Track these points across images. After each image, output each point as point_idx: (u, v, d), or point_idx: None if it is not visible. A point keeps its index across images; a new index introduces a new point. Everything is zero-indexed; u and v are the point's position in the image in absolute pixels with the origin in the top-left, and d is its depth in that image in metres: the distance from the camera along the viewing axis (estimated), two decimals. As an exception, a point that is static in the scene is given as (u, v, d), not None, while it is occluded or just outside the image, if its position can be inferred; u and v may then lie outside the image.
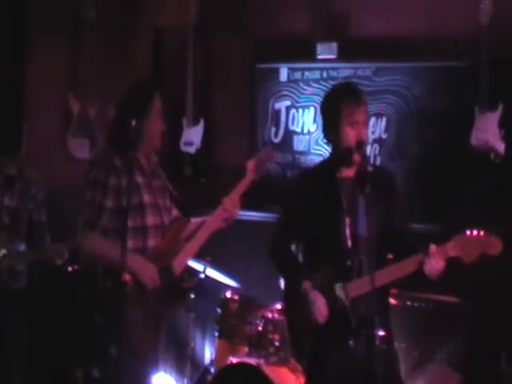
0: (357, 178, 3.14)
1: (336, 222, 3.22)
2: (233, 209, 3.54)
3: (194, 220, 3.59)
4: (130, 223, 3.29)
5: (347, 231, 3.19)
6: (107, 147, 3.52)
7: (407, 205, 3.50)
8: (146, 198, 3.42)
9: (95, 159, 3.60)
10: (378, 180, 3.16)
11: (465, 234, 3.06)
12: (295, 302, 3.29)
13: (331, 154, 3.38)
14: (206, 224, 3.53)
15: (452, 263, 3.09)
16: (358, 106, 3.23)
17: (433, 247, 3.07)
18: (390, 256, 3.25)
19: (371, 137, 4.73)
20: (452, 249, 3.05)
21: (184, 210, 3.61)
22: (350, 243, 3.19)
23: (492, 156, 4.36)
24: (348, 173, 3.26)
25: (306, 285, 3.23)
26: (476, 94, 4.41)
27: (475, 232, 3.04)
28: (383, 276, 3.09)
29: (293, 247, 3.55)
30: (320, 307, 3.18)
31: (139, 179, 3.42)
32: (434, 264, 3.05)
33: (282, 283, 4.00)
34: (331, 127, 3.29)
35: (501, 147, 4.33)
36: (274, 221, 3.65)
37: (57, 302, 4.67)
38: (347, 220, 3.20)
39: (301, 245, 3.47)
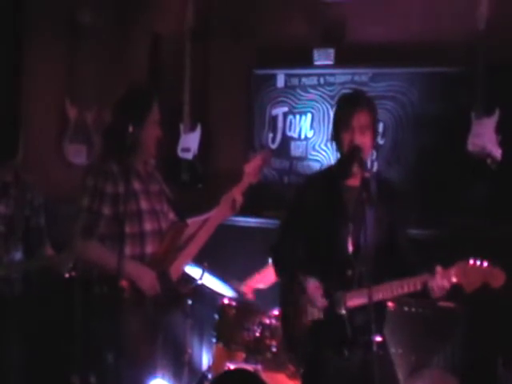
0: (361, 187, 3.12)
1: (338, 231, 3.22)
2: (227, 209, 3.54)
3: (191, 220, 3.58)
4: (128, 230, 3.28)
5: (349, 240, 3.19)
6: (104, 153, 3.51)
7: (408, 216, 3.48)
8: (144, 205, 3.42)
9: (92, 166, 3.60)
10: (382, 189, 3.18)
11: (468, 262, 3.04)
12: (292, 306, 3.28)
13: (336, 161, 3.39)
14: (207, 225, 3.53)
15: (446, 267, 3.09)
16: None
17: (438, 268, 3.06)
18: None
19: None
20: (454, 275, 3.04)
21: (180, 213, 3.60)
22: (351, 252, 3.18)
23: (489, 161, 4.36)
24: (353, 182, 3.24)
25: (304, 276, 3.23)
26: (472, 100, 4.42)
27: (478, 262, 3.02)
28: (384, 291, 3.10)
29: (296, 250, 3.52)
30: (317, 292, 3.18)
31: (136, 185, 3.41)
32: (439, 283, 3.03)
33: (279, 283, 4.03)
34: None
35: (497, 153, 4.34)
36: (275, 224, 3.64)
37: (54, 308, 4.66)
38: (350, 229, 3.19)
39: (302, 249, 3.45)
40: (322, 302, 3.19)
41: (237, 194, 3.57)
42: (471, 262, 3.03)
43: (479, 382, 4.18)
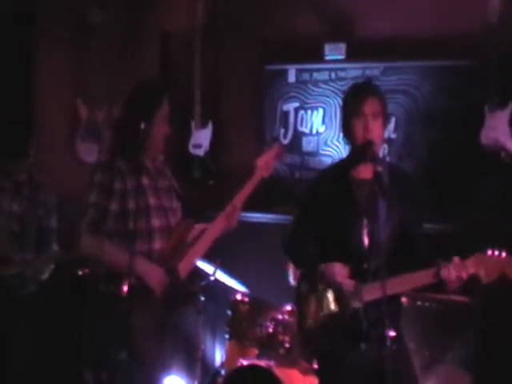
0: (373, 180, 3.09)
1: (352, 225, 3.20)
2: (232, 218, 3.53)
3: (196, 226, 3.56)
4: (136, 226, 3.25)
5: (364, 234, 3.17)
6: (112, 150, 3.50)
7: (424, 207, 3.44)
8: (152, 201, 3.40)
9: (100, 162, 3.59)
10: (395, 181, 3.15)
11: (486, 253, 3.02)
12: (308, 300, 3.26)
13: (348, 153, 3.37)
14: (208, 232, 3.52)
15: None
16: (364, 97, 3.21)
17: (456, 259, 3.04)
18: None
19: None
20: (472, 266, 3.01)
21: (189, 210, 3.59)
22: (367, 246, 3.16)
23: (502, 155, 4.33)
24: (365, 174, 3.22)
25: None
26: (485, 93, 4.39)
27: (497, 252, 2.99)
28: (397, 285, 3.07)
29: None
30: (341, 269, 3.15)
31: (144, 181, 3.40)
32: (457, 271, 3.00)
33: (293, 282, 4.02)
34: (343, 123, 3.30)
35: (511, 146, 4.31)
36: (286, 220, 3.62)
37: (67, 305, 4.67)
38: (364, 222, 3.17)
39: (316, 243, 3.42)
40: (350, 282, 3.15)
41: (238, 202, 3.56)
42: (489, 252, 3.01)
43: (493, 378, 4.14)
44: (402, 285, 3.10)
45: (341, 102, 3.47)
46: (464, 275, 3.01)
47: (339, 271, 3.16)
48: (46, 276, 4.10)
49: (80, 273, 4.23)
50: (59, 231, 4.24)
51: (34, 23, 5.12)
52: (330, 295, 3.21)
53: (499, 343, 4.21)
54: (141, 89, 3.50)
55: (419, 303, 4.16)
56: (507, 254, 2.99)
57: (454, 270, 3.01)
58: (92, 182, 3.38)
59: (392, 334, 3.08)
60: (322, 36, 5.07)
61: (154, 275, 3.31)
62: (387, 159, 4.71)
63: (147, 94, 3.44)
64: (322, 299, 3.22)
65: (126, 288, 3.14)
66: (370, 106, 3.20)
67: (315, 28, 5.10)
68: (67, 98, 5.30)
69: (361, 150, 3.18)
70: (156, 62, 5.63)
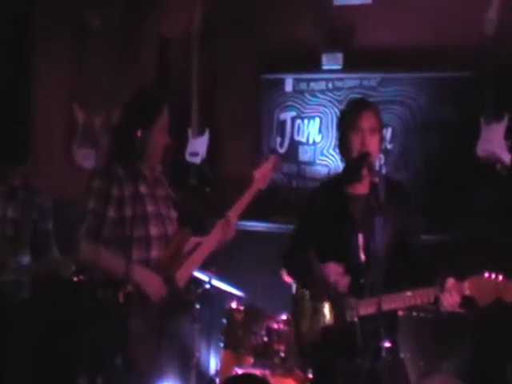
0: (370, 194, 3.12)
1: (348, 240, 3.21)
2: (228, 231, 3.53)
3: (191, 239, 3.55)
4: (134, 233, 3.26)
5: (360, 248, 3.19)
6: (110, 156, 3.49)
7: (420, 219, 3.47)
8: (150, 208, 3.40)
9: (98, 169, 3.57)
10: (391, 193, 3.16)
11: (483, 275, 3.01)
12: (305, 310, 3.27)
13: (343, 168, 3.39)
14: (204, 243, 3.52)
15: (455, 273, 3.08)
16: (360, 112, 3.23)
17: (450, 281, 3.04)
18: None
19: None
20: (468, 288, 3.02)
21: (186, 217, 3.59)
22: (363, 261, 3.18)
23: (498, 167, 4.36)
24: (361, 190, 3.24)
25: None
26: (481, 105, 4.42)
27: (493, 276, 2.98)
28: (394, 301, 3.09)
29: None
30: (334, 267, 3.15)
31: (142, 189, 3.39)
32: (450, 299, 3.02)
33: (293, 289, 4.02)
34: (339, 138, 3.32)
35: (507, 158, 4.34)
36: (283, 229, 3.63)
37: (61, 311, 4.66)
38: (360, 237, 3.19)
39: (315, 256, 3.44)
40: (344, 279, 3.15)
41: (233, 215, 3.56)
42: (486, 275, 3.00)
43: (488, 387, 4.17)
44: (399, 302, 3.12)
45: (337, 112, 3.50)
46: (458, 299, 3.02)
47: (333, 270, 3.16)
48: (67, 274, 4.06)
49: (75, 279, 4.20)
50: (56, 236, 4.22)
51: (31, 25, 5.12)
52: (327, 307, 3.21)
53: (494, 353, 4.21)
54: (141, 96, 3.50)
55: (414, 314, 4.17)
56: (504, 278, 2.98)
57: (451, 295, 3.02)
58: (90, 189, 3.37)
59: (387, 345, 3.09)
60: (319, 46, 5.10)
61: (152, 283, 3.31)
62: (383, 169, 4.74)
63: (148, 103, 3.43)
64: (318, 310, 3.23)
65: (123, 295, 3.13)
66: (367, 121, 3.22)
67: (312, 38, 5.12)
68: (65, 103, 5.30)
69: (357, 163, 3.19)
70: (153, 68, 5.64)
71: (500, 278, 2.98)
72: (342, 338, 3.15)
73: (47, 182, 4.35)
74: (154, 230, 3.38)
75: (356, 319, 3.12)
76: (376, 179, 3.09)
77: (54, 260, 4.07)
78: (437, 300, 3.07)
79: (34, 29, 5.14)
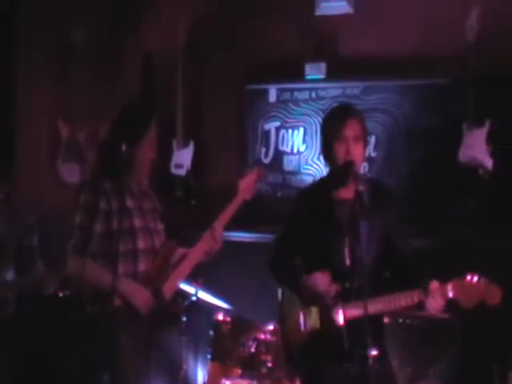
0: (355, 200, 3.11)
1: (334, 244, 3.21)
2: (214, 242, 3.53)
3: (178, 251, 3.56)
4: (121, 247, 3.27)
5: (346, 253, 3.19)
6: (97, 170, 3.49)
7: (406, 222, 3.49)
8: (137, 222, 3.40)
9: (85, 183, 3.57)
10: (377, 198, 3.15)
11: (465, 278, 3.01)
12: (291, 317, 3.27)
13: (328, 173, 3.38)
14: (190, 255, 3.52)
15: (440, 278, 3.09)
16: (345, 120, 3.22)
17: (434, 284, 3.05)
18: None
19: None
20: (451, 291, 3.02)
21: (172, 231, 3.59)
22: (349, 265, 3.18)
23: (480, 172, 4.38)
24: (346, 194, 3.24)
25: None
26: (463, 111, 4.44)
27: (476, 278, 2.99)
28: (380, 305, 3.10)
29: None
30: (321, 278, 3.16)
31: (129, 203, 3.40)
32: (434, 303, 3.03)
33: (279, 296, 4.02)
34: (324, 146, 3.32)
35: (489, 163, 4.36)
36: (269, 239, 3.64)
37: (47, 327, 4.63)
38: (346, 242, 3.19)
39: (299, 262, 3.43)
40: (332, 288, 3.16)
41: (218, 226, 3.56)
42: (468, 277, 3.01)
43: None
44: (384, 305, 3.11)
45: (322, 120, 3.48)
46: (442, 302, 3.03)
47: (320, 281, 3.17)
48: (51, 290, 4.04)
49: (61, 294, 4.19)
50: (42, 251, 4.20)
51: (15, 41, 5.11)
52: (314, 313, 3.22)
53: (480, 357, 4.22)
54: (129, 111, 3.50)
55: (400, 320, 4.18)
56: (486, 280, 2.99)
57: (435, 298, 3.02)
58: (77, 204, 3.36)
59: (374, 352, 3.08)
60: (302, 56, 5.12)
61: (140, 296, 3.31)
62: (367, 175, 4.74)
63: (136, 118, 3.43)
64: (305, 317, 3.24)
65: (111, 309, 3.12)
66: (351, 129, 3.22)
67: (296, 47, 5.14)
68: (49, 118, 5.28)
69: (342, 171, 3.19)
70: (137, 83, 5.64)
71: (482, 280, 2.99)
72: (329, 343, 3.15)
73: (31, 196, 4.35)
74: (141, 244, 3.38)
75: (342, 324, 3.12)
76: (361, 187, 3.07)
77: (37, 276, 4.05)
78: (422, 305, 3.07)
79: (17, 44, 5.14)
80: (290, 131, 5.18)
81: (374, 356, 3.02)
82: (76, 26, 5.32)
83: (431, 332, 4.15)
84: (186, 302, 4.33)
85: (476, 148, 4.36)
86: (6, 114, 5.02)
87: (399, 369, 3.96)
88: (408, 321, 4.18)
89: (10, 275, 4.02)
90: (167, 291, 3.43)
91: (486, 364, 4.16)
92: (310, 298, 3.22)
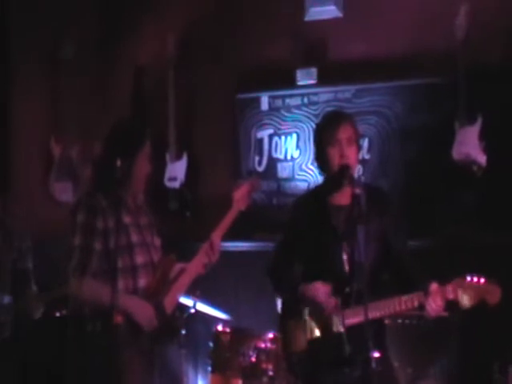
0: (352, 204, 3.11)
1: (332, 250, 3.21)
2: (212, 254, 3.50)
3: (176, 265, 3.53)
4: (120, 264, 3.25)
5: (344, 258, 3.18)
6: (92, 187, 3.45)
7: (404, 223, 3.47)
8: (135, 238, 3.37)
9: (80, 201, 3.50)
10: (373, 202, 3.14)
11: (465, 278, 3.02)
12: (291, 325, 3.26)
13: (324, 180, 3.38)
14: (189, 268, 3.48)
15: (438, 277, 3.06)
16: (337, 124, 3.23)
17: (434, 285, 3.05)
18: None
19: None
20: (451, 292, 3.02)
21: (167, 242, 3.57)
22: (347, 270, 3.17)
23: (474, 168, 4.36)
24: (341, 200, 3.24)
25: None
26: (455, 109, 4.43)
27: (475, 278, 3.00)
28: (381, 309, 3.09)
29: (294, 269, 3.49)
30: (321, 289, 3.15)
31: (126, 219, 3.36)
32: (434, 305, 3.03)
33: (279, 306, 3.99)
34: (317, 151, 3.32)
35: (482, 159, 4.35)
36: (266, 247, 3.62)
37: (45, 348, 4.61)
38: (344, 247, 3.19)
39: (299, 269, 3.42)
40: (332, 300, 3.15)
41: (216, 238, 3.53)
42: (468, 278, 3.01)
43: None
44: (384, 309, 3.10)
45: (314, 128, 3.48)
46: (442, 303, 3.02)
47: (319, 291, 3.16)
48: (38, 315, 4.02)
49: (58, 314, 4.16)
50: (36, 271, 4.18)
51: (7, 61, 5.12)
52: (313, 320, 3.21)
53: (480, 354, 4.20)
54: (122, 126, 3.47)
55: (399, 321, 4.16)
56: (486, 280, 2.99)
57: (435, 300, 3.02)
58: (74, 223, 3.32)
59: (377, 355, 3.07)
60: (292, 62, 5.11)
61: (143, 312, 3.27)
62: (362, 180, 4.71)
63: (129, 133, 3.41)
64: (305, 324, 3.22)
65: (112, 325, 3.09)
66: (344, 132, 3.22)
67: (286, 54, 5.13)
68: (41, 138, 5.28)
69: (338, 176, 3.18)
70: (129, 97, 5.64)
71: (482, 280, 2.99)
72: (330, 350, 3.14)
73: (25, 217, 4.33)
74: (139, 259, 3.35)
75: (342, 330, 3.11)
76: (358, 191, 3.06)
77: (26, 301, 4.04)
78: (421, 306, 3.06)
79: (10, 64, 5.14)
80: (283, 138, 5.16)
81: (377, 358, 3.04)
82: (66, 40, 5.33)
83: (430, 331, 4.11)
84: (185, 315, 4.31)
85: (469, 145, 4.35)
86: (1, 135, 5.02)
87: (400, 370, 3.93)
88: (407, 321, 4.17)
89: (6, 299, 4.00)
90: (169, 305, 3.40)
91: (485, 359, 4.13)
92: (310, 307, 3.20)
